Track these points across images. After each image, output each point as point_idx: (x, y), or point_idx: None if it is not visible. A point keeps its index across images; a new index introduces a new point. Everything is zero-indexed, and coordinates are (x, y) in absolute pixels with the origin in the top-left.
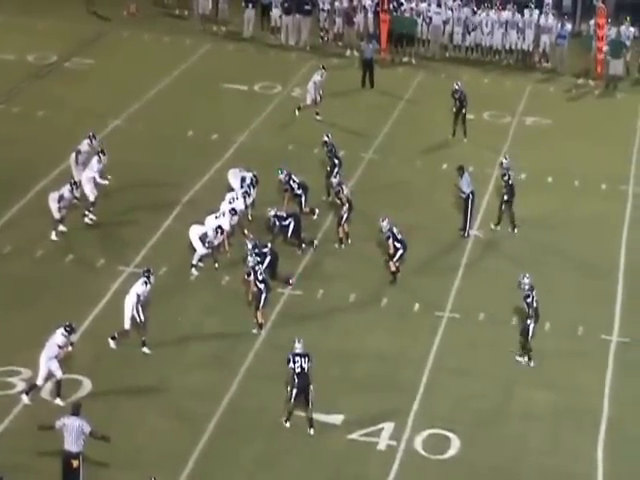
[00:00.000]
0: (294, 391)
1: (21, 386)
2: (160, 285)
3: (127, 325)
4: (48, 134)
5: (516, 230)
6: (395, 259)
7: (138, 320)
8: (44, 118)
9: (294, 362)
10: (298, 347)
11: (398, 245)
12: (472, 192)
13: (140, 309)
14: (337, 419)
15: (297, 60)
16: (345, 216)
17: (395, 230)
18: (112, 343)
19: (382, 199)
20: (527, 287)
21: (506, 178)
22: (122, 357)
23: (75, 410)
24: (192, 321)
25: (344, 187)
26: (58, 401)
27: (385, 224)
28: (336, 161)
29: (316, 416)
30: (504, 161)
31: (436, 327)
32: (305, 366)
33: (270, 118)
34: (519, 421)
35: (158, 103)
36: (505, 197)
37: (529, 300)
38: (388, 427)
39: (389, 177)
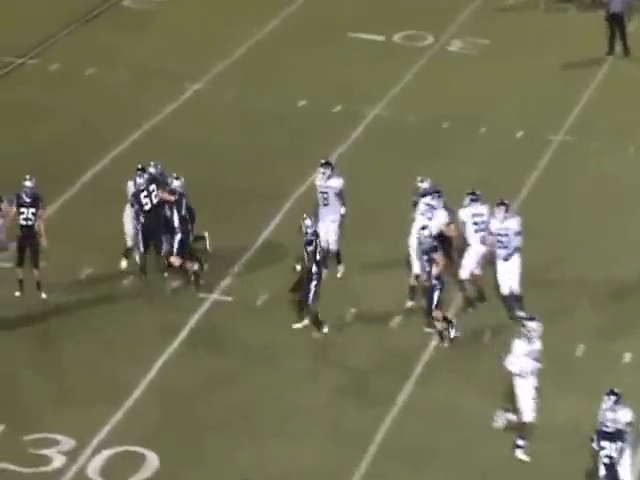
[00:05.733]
0: None
1: (60, 461)
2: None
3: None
4: (99, 100)
5: None
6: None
7: None
8: (92, 78)
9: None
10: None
11: None
12: None
13: None
14: None
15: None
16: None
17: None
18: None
19: (581, 201)
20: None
21: None
22: (194, 422)
23: None
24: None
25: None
26: None
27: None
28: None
29: None
30: None
31: None
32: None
33: (417, 82)
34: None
35: (253, 62)
36: None
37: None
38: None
39: (589, 169)
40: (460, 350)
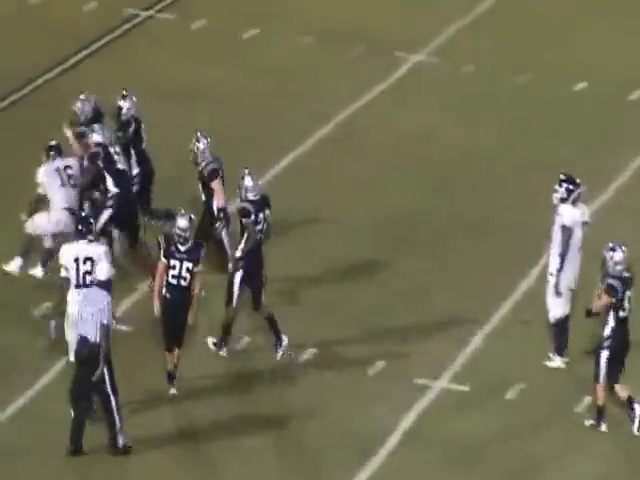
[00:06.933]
0: None
1: None
2: None
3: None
4: (264, 75)
5: None
6: None
7: None
8: (254, 44)
9: None
10: None
11: None
12: None
13: None
14: None
15: None
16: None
17: None
18: None
19: None
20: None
21: None
22: None
23: None
24: None
25: None
26: None
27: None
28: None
29: None
30: None
31: None
32: None
33: None
34: None
35: (502, 21)
36: None
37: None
38: None
39: None
40: None
